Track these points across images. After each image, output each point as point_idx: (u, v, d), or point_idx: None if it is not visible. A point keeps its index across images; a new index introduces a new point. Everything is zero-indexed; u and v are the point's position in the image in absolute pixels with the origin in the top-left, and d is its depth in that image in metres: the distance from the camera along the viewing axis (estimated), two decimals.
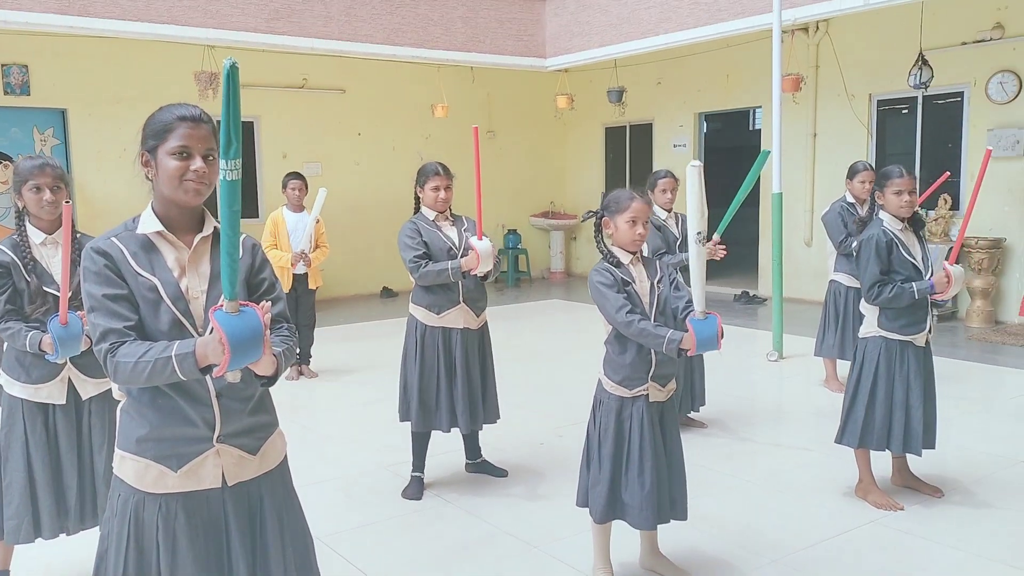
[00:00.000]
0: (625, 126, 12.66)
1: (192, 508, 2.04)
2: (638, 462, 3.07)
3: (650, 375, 3.12)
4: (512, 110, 12.92)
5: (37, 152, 9.49)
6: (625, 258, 3.15)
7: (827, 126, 10.18)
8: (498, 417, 4.40)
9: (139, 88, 10.01)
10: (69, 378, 3.18)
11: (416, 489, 4.32)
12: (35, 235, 3.15)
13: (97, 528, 3.26)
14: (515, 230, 13.00)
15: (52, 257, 3.15)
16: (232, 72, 1.70)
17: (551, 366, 7.50)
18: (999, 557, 3.49)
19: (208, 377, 1.98)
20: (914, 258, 3.88)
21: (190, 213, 2.08)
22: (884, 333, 3.90)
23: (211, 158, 2.01)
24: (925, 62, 8.56)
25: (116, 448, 2.11)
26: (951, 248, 4.03)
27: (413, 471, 4.37)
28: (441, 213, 4.22)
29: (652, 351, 3.08)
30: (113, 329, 1.93)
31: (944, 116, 9.26)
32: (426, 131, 12.01)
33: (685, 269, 4.27)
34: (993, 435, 5.08)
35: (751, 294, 10.87)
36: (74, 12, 7.81)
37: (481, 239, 4.04)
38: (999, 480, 4.34)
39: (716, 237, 5.01)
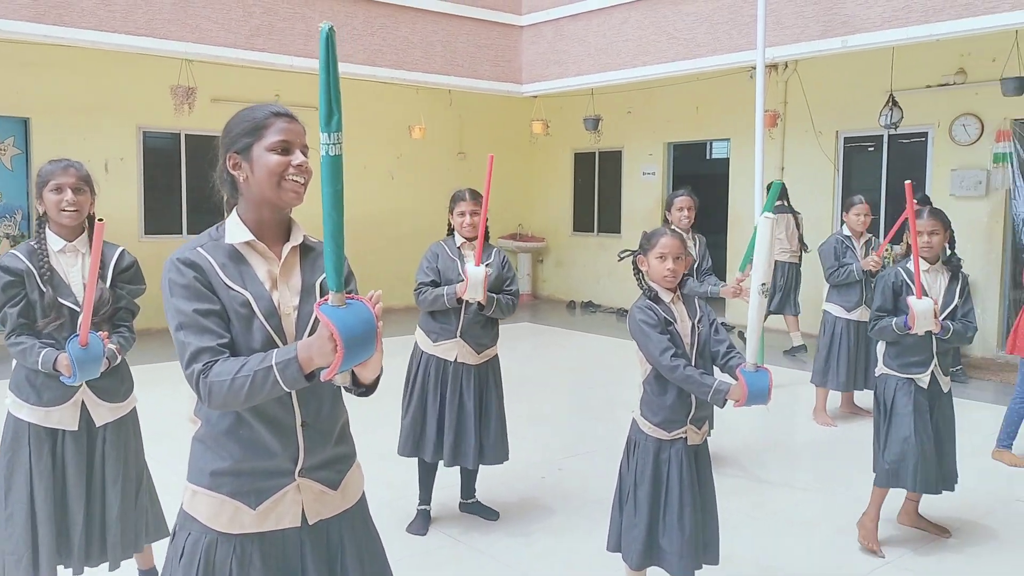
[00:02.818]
0: (594, 152, 12.80)
1: (268, 551, 1.89)
2: (677, 507, 3.06)
3: (689, 418, 3.11)
4: (485, 133, 12.95)
5: None
6: (665, 296, 3.14)
7: (795, 161, 10.44)
8: (505, 458, 4.30)
9: (107, 99, 9.77)
10: (83, 401, 2.96)
11: (422, 524, 4.26)
12: (54, 242, 2.93)
13: (106, 566, 3.12)
14: None
15: (71, 267, 2.93)
16: (329, 37, 1.56)
17: (535, 393, 7.48)
18: None
19: (296, 403, 1.88)
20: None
21: (278, 221, 1.94)
22: (887, 371, 4.02)
23: (308, 155, 1.90)
24: (895, 103, 8.86)
25: (187, 482, 1.94)
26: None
27: (420, 504, 4.30)
28: (469, 240, 4.17)
29: (691, 394, 3.08)
30: (206, 348, 1.76)
31: (909, 155, 9.58)
32: (398, 151, 11.96)
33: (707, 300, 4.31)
34: (984, 470, 5.21)
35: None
36: (49, 21, 7.57)
37: (479, 265, 3.97)
38: (1005, 520, 4.45)
39: (739, 275, 4.96)
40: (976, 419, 6.32)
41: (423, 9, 9.85)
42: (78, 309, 2.89)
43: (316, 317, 1.78)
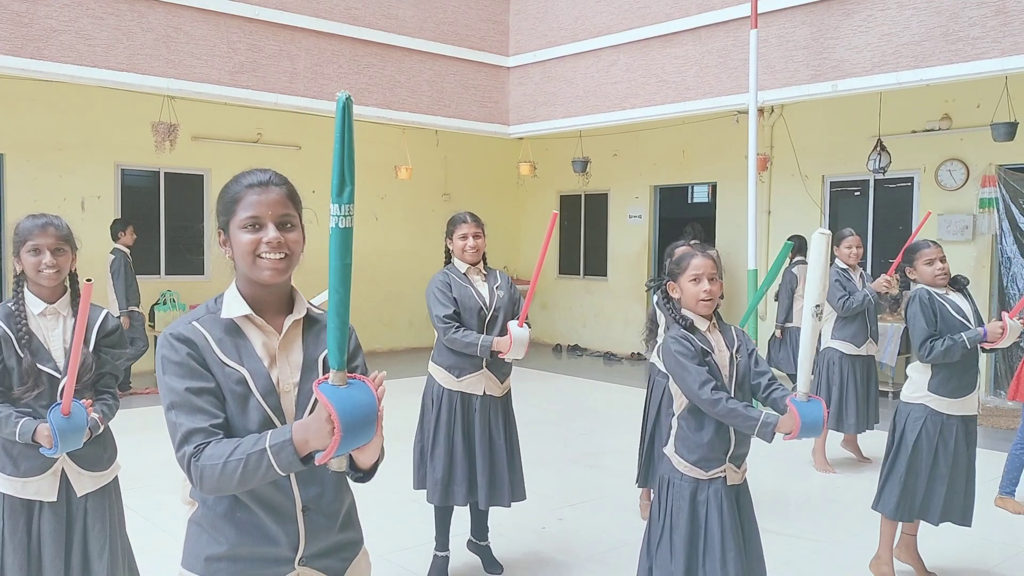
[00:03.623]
0: (581, 195, 12.75)
1: None
2: (720, 552, 2.81)
3: (728, 455, 2.90)
4: (471, 174, 12.87)
5: None
6: (701, 324, 2.93)
7: (781, 204, 10.44)
8: (524, 496, 4.10)
9: (85, 136, 9.57)
10: (63, 471, 2.73)
11: (441, 570, 4.02)
12: (34, 304, 2.73)
13: None
14: None
15: (52, 330, 2.72)
16: (347, 106, 1.50)
17: (525, 439, 7.19)
18: None
19: (296, 489, 1.75)
20: (964, 317, 3.84)
21: (278, 293, 1.82)
22: (932, 399, 3.85)
23: (289, 225, 1.76)
24: (883, 148, 8.89)
25: (181, 567, 1.81)
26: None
27: (437, 549, 4.06)
28: (473, 266, 4.00)
29: (731, 429, 2.86)
30: (198, 429, 1.65)
31: (895, 199, 9.61)
32: (383, 192, 11.82)
33: None
34: (988, 518, 5.07)
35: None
36: (27, 55, 7.39)
37: (522, 326, 3.84)
38: (1016, 568, 4.31)
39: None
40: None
41: (410, 49, 9.80)
42: (58, 376, 2.69)
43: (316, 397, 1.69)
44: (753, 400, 2.98)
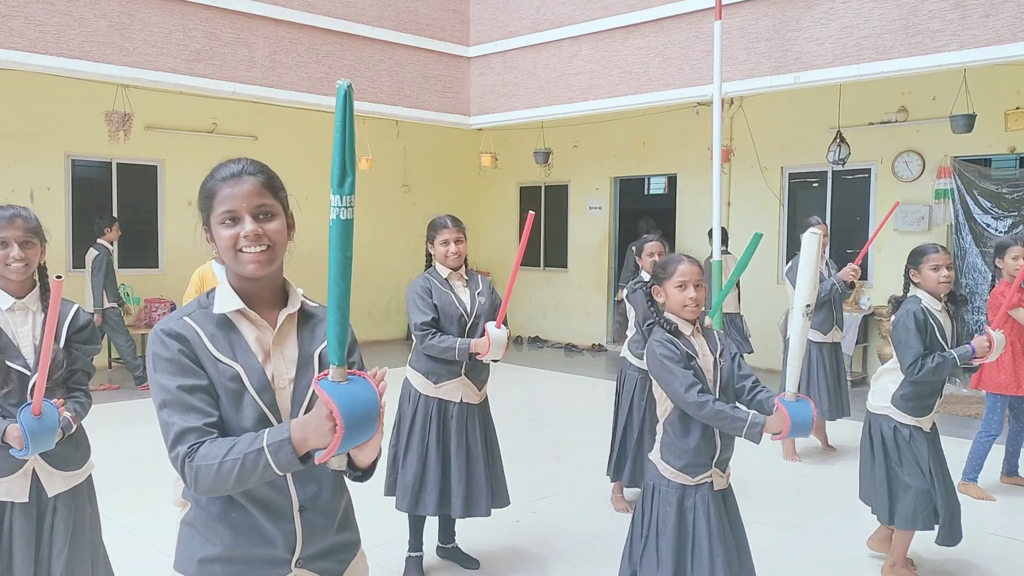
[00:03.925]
0: (541, 186, 12.72)
1: None
2: (708, 559, 2.82)
3: (714, 460, 2.92)
4: (430, 166, 12.76)
5: None
6: (685, 328, 2.94)
7: (741, 195, 10.53)
8: (508, 502, 4.06)
9: (35, 125, 9.26)
10: (34, 470, 2.64)
11: (416, 569, 3.98)
12: (2, 299, 2.63)
13: None
14: None
15: (21, 326, 2.62)
16: (348, 94, 1.45)
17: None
18: None
19: (292, 488, 1.70)
20: (946, 340, 3.83)
21: (270, 286, 1.77)
22: (895, 412, 3.87)
23: (267, 215, 1.71)
24: (843, 140, 9.01)
25: (173, 570, 1.75)
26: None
27: (411, 551, 4.02)
28: (455, 271, 3.93)
29: (717, 433, 2.88)
30: (191, 428, 1.60)
31: (853, 191, 9.75)
32: None
33: None
34: None
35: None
36: None
37: (500, 327, 3.78)
38: (984, 554, 4.39)
39: (708, 320, 4.89)
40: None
41: (369, 38, 9.65)
42: (29, 373, 2.59)
43: (313, 393, 1.69)
44: (737, 403, 3.00)
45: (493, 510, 3.93)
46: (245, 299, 1.74)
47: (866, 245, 6.13)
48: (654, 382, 2.95)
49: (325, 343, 1.78)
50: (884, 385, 3.95)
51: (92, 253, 8.29)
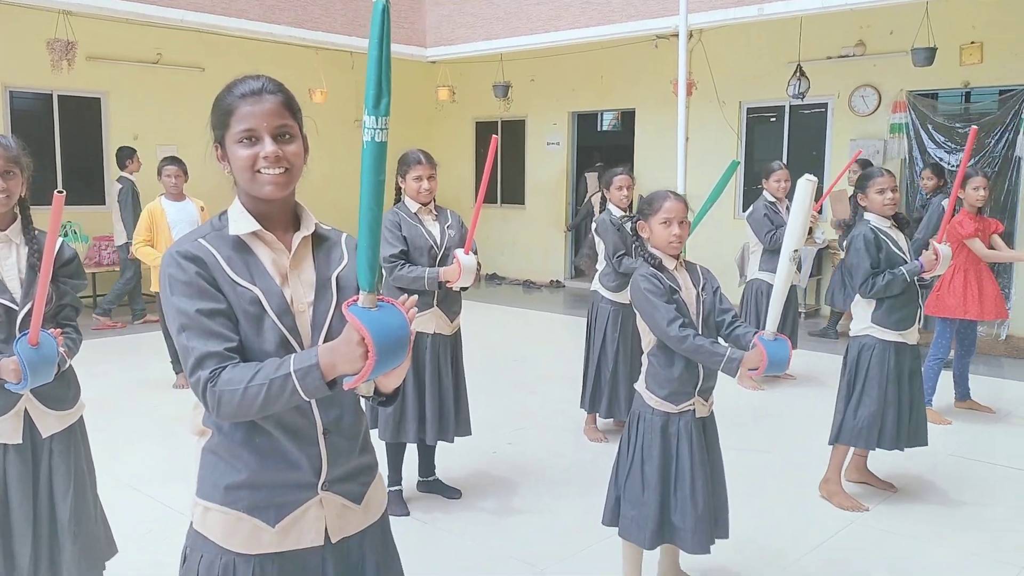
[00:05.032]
0: (498, 121, 12.55)
1: (289, 572, 1.70)
2: (689, 482, 2.92)
3: (697, 389, 2.99)
4: None
5: None
6: (669, 263, 2.99)
7: (699, 130, 10.52)
8: (471, 431, 4.15)
9: None
10: (26, 410, 2.55)
11: (401, 504, 4.02)
12: None
13: None
14: None
15: (4, 260, 2.50)
16: (385, 12, 1.39)
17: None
18: (982, 552, 3.67)
19: (316, 412, 1.68)
20: (903, 252, 3.99)
21: (283, 208, 1.73)
22: (878, 331, 3.98)
23: (287, 136, 1.66)
24: (803, 73, 9.04)
25: (197, 497, 1.72)
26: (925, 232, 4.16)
27: (390, 485, 4.04)
28: (424, 205, 3.91)
29: (699, 364, 2.95)
30: (212, 353, 1.56)
31: (809, 125, 9.84)
32: None
33: None
34: None
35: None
36: None
37: (468, 253, 3.78)
38: (944, 474, 4.58)
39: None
40: None
41: None
42: (15, 307, 2.47)
43: (332, 317, 1.68)
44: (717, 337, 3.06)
45: (469, 443, 4.00)
46: (259, 221, 1.70)
47: (825, 193, 6.22)
48: (638, 315, 2.98)
49: (342, 266, 1.77)
50: (860, 310, 4.05)
51: (116, 187, 8.47)
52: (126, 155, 8.53)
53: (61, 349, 2.49)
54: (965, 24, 8.38)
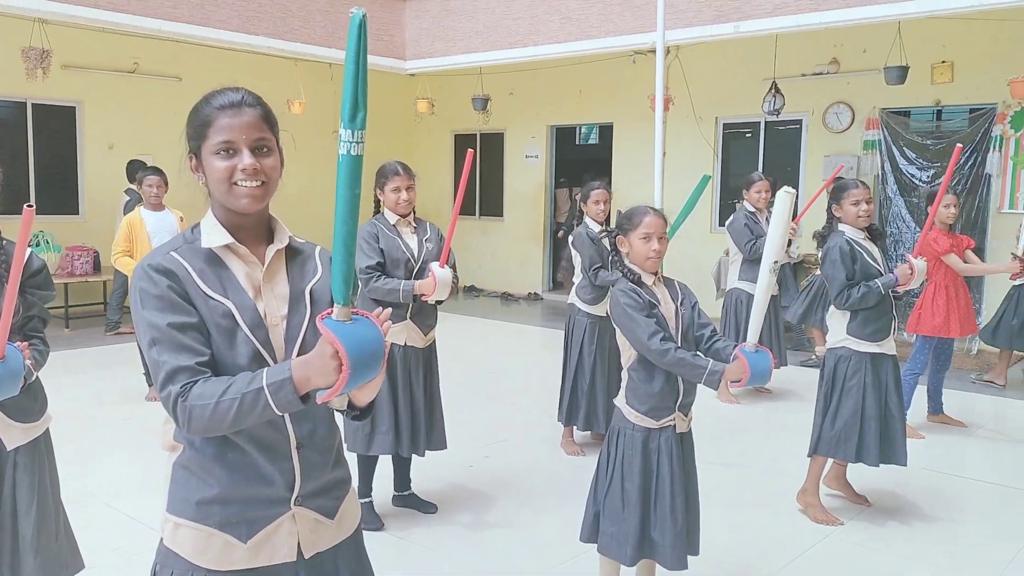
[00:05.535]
0: (476, 134, 12.57)
1: None
2: (669, 498, 2.91)
3: (677, 404, 2.98)
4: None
5: None
6: (648, 278, 2.99)
7: (676, 145, 10.59)
8: (445, 445, 4.12)
9: None
10: None
11: (374, 517, 3.98)
12: None
13: None
14: None
15: None
16: (362, 25, 1.39)
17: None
18: (956, 566, 3.70)
19: (290, 426, 1.67)
20: (878, 264, 4.03)
21: (257, 221, 1.72)
22: (854, 342, 4.01)
23: (264, 150, 1.66)
24: (778, 90, 9.15)
25: (167, 513, 1.69)
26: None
27: (360, 497, 4.00)
28: (403, 217, 3.90)
29: (679, 379, 2.95)
30: (183, 367, 1.54)
31: (784, 141, 9.95)
32: None
33: None
34: None
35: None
36: None
37: (443, 267, 3.77)
38: (918, 488, 4.62)
39: None
40: None
41: None
42: None
43: (306, 330, 1.67)
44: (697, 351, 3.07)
45: (446, 457, 3.96)
46: (232, 234, 1.68)
47: (804, 208, 6.28)
48: (618, 330, 2.99)
49: (315, 279, 1.76)
50: (836, 322, 4.09)
51: (123, 199, 8.41)
52: (136, 169, 8.43)
53: (28, 362, 2.45)
54: (936, 43, 8.52)
